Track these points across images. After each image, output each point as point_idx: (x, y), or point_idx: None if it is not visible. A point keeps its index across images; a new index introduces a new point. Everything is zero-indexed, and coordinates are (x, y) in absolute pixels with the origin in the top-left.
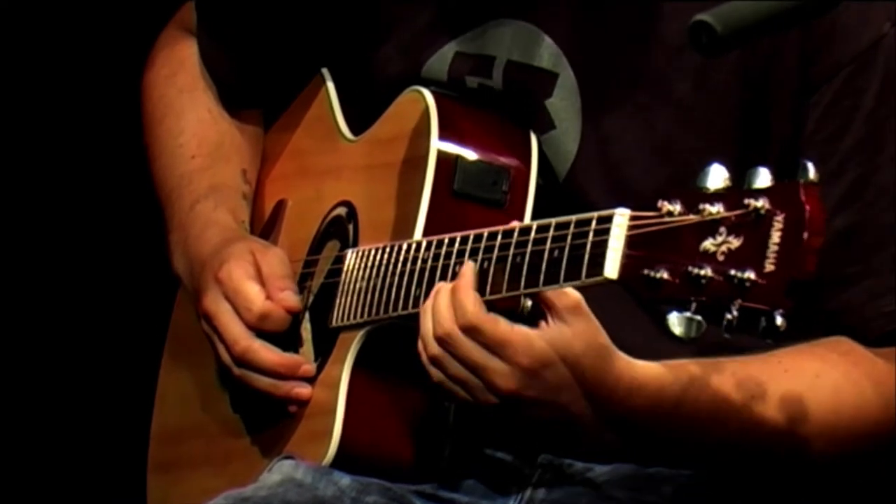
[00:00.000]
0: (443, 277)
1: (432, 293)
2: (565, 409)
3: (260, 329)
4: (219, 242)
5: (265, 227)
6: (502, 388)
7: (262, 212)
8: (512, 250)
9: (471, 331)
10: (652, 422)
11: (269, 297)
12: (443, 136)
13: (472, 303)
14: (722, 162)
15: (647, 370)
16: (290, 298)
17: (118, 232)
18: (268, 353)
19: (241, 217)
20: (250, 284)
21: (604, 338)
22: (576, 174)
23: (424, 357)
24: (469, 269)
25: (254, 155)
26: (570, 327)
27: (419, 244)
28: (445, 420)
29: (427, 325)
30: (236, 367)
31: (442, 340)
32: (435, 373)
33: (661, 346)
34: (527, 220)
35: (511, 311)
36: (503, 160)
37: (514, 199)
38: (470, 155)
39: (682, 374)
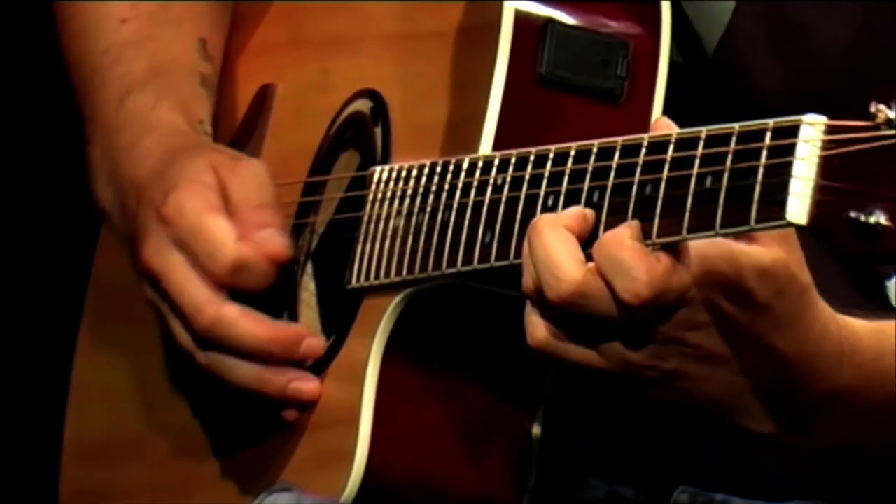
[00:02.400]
0: (528, 216)
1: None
2: (734, 385)
3: (233, 286)
4: (164, 157)
5: (240, 129)
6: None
7: (232, 105)
8: (638, 176)
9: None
10: (868, 410)
11: (241, 238)
12: None
13: (640, 260)
14: None
15: (860, 328)
16: (273, 239)
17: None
18: (251, 324)
19: (199, 115)
20: (215, 219)
21: (807, 275)
22: (733, 44)
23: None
24: (631, 229)
25: (218, 16)
26: (766, 249)
27: (488, 162)
28: (527, 433)
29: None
30: (201, 350)
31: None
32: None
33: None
34: (657, 119)
35: None
36: (617, 26)
37: (637, 87)
38: (566, 18)
39: None
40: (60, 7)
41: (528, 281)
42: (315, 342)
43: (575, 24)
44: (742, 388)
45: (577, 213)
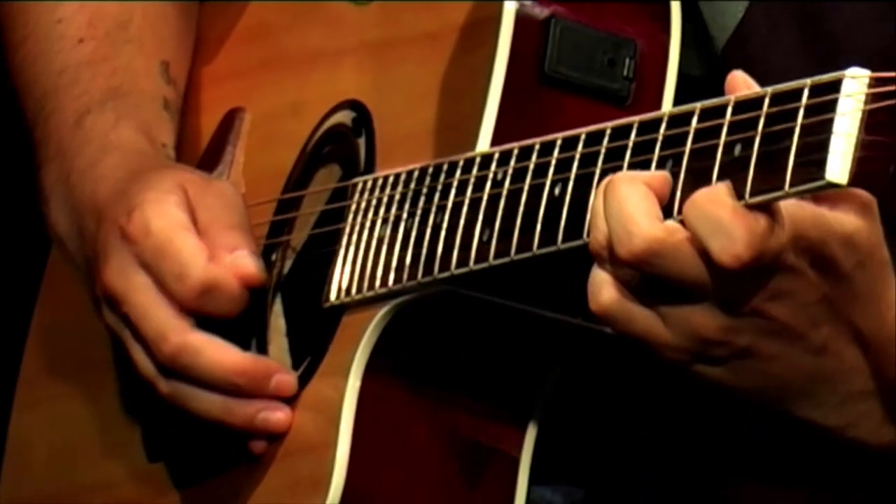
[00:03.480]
0: (532, 208)
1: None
2: (804, 366)
3: (199, 312)
4: (126, 176)
5: (206, 154)
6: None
7: (196, 130)
8: (657, 152)
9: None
10: None
11: (211, 259)
12: None
13: (741, 219)
14: None
15: None
16: (245, 261)
17: None
18: (218, 353)
19: (162, 138)
20: (183, 237)
21: (886, 251)
22: (747, 40)
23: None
24: (727, 187)
25: (181, 40)
26: (849, 216)
27: (486, 158)
28: (517, 456)
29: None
30: (164, 379)
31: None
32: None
33: None
34: (732, 74)
35: None
36: (625, 24)
37: (644, 90)
38: (570, 15)
39: None
40: (10, 26)
41: (598, 237)
42: (286, 379)
43: (580, 22)
44: (813, 370)
45: (660, 175)
